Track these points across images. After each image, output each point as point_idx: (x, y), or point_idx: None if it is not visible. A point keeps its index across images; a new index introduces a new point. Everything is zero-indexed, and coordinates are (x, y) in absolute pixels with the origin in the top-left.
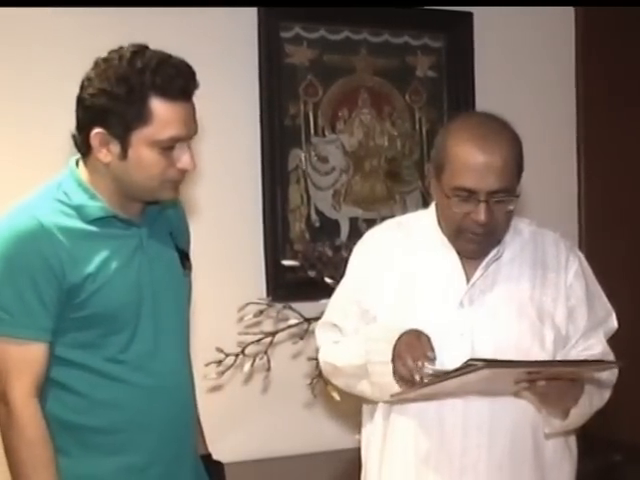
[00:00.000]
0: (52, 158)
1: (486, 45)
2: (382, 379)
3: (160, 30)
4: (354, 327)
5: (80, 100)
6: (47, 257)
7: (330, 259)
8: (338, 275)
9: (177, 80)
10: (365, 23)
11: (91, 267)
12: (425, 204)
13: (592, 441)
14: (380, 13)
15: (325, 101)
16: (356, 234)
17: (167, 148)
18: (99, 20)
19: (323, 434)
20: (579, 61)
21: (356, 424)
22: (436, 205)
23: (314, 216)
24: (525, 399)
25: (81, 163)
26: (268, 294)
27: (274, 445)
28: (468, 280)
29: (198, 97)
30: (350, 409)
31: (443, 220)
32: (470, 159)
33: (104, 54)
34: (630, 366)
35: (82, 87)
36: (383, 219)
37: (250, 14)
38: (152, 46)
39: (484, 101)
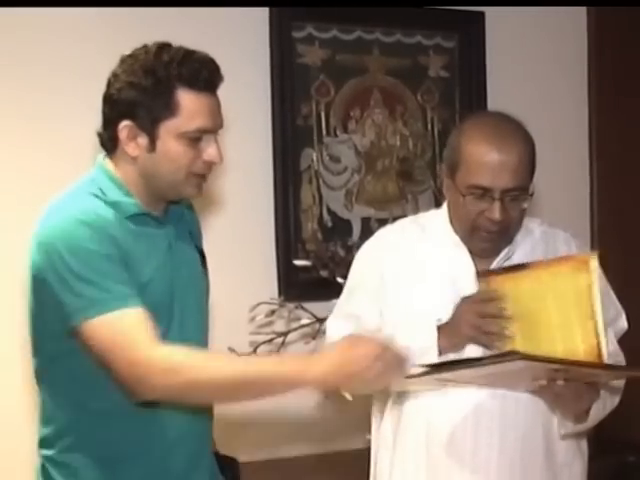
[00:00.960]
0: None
1: (498, 45)
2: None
3: (172, 30)
4: (374, 320)
5: (107, 96)
6: (111, 240)
7: (342, 259)
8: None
9: (203, 72)
10: (377, 23)
11: (137, 262)
12: (437, 204)
13: (605, 442)
14: (392, 13)
15: (337, 101)
16: (368, 234)
17: (194, 140)
18: (111, 21)
19: (334, 434)
20: (591, 61)
21: (367, 424)
22: (448, 204)
23: (326, 216)
24: (540, 398)
25: (108, 161)
26: (280, 294)
27: (285, 445)
28: None
29: None
30: (361, 409)
31: (457, 219)
32: (485, 157)
33: (127, 52)
34: None
35: (109, 84)
36: (395, 219)
37: (262, 14)
38: None
39: (496, 101)
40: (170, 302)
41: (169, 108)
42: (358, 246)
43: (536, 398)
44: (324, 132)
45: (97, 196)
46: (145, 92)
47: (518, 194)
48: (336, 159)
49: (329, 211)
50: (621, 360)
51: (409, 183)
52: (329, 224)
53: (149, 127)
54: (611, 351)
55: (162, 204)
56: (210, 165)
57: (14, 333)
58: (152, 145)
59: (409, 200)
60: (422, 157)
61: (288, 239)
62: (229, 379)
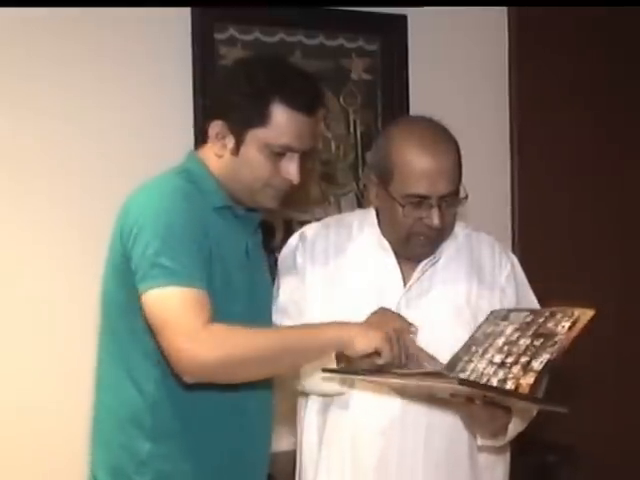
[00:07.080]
0: None
1: (420, 47)
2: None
3: (92, 32)
4: (296, 318)
5: (210, 93)
6: (198, 218)
7: None
8: (273, 277)
9: (304, 93)
10: (300, 25)
11: (217, 248)
12: (360, 206)
13: (527, 442)
14: (315, 15)
15: None
16: (290, 236)
17: (277, 154)
18: (30, 22)
19: None
20: (512, 62)
21: (293, 426)
22: (377, 211)
23: None
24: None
25: (200, 152)
26: None
27: None
28: (405, 283)
29: (130, 100)
30: (286, 411)
31: (391, 226)
32: (420, 166)
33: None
34: (564, 367)
35: (218, 81)
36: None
37: (184, 15)
38: (84, 48)
39: (418, 103)
40: (247, 304)
41: (261, 117)
42: (280, 249)
43: None
44: None
45: (190, 182)
46: (243, 97)
47: (453, 199)
48: None
49: None
50: None
51: (331, 186)
52: None
53: (238, 131)
54: None
55: (241, 209)
56: (287, 183)
57: None
58: (237, 149)
59: (332, 203)
60: (345, 160)
61: None
62: (270, 347)
